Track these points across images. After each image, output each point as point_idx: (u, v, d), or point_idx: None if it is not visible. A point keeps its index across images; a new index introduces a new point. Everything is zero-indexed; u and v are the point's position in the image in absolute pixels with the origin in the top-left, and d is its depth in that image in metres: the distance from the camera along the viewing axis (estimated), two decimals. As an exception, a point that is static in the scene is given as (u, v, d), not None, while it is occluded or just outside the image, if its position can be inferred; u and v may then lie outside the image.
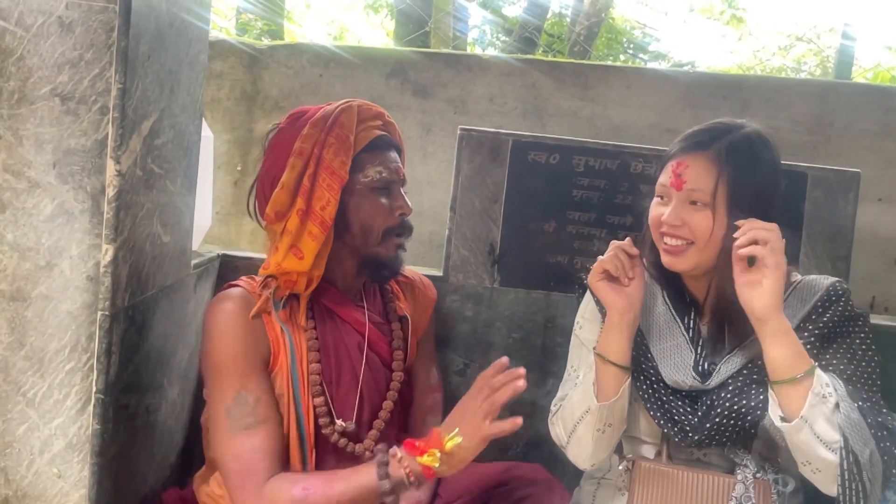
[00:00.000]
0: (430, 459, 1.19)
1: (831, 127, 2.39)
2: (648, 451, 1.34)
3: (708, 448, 1.27)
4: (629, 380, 1.26)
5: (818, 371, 1.15)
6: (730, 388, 1.23)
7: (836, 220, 1.78)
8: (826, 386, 1.14)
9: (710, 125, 1.29)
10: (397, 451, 1.22)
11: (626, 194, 1.78)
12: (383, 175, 1.35)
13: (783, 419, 1.15)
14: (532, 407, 1.80)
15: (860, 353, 1.25)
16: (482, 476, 1.41)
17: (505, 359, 1.25)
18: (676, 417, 1.27)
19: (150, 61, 1.16)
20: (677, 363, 1.30)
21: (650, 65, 7.76)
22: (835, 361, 1.23)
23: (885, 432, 1.18)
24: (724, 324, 1.30)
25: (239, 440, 1.22)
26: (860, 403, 1.18)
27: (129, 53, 1.08)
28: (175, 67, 1.28)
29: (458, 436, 1.19)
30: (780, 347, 1.14)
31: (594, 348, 1.28)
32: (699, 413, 1.26)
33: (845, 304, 1.27)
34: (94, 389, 1.13)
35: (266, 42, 2.82)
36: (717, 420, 1.22)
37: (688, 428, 1.25)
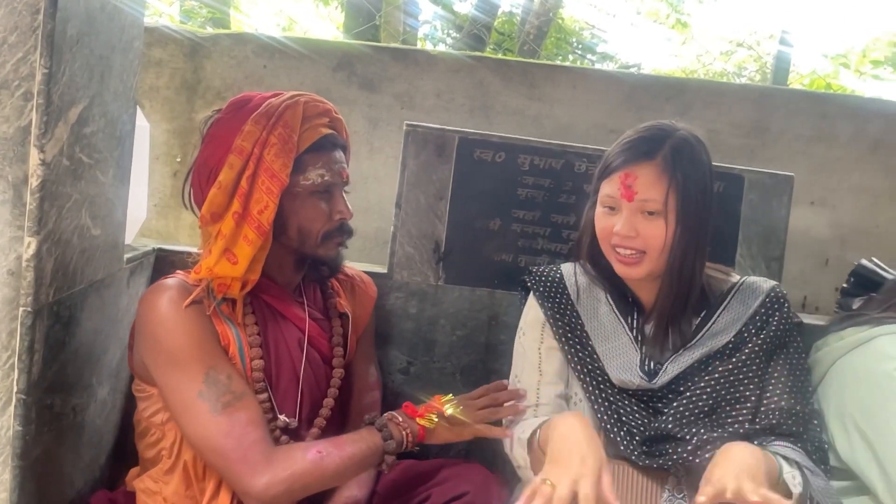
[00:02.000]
0: (428, 421, 1.30)
1: (767, 131, 2.46)
2: None
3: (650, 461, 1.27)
4: None
5: (783, 466, 1.15)
6: (685, 443, 1.22)
7: (770, 222, 1.83)
8: (792, 475, 1.15)
9: (648, 131, 1.30)
10: (396, 416, 1.30)
11: (570, 193, 1.79)
12: (325, 178, 1.31)
13: None
14: (475, 404, 1.80)
15: (796, 361, 1.32)
16: (421, 474, 1.41)
17: (504, 382, 1.41)
18: (624, 418, 1.29)
19: (79, 46, 1.11)
20: (623, 363, 1.31)
21: (597, 66, 7.88)
22: (776, 374, 1.29)
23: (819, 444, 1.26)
24: (667, 325, 1.32)
25: (223, 419, 1.18)
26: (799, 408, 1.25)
27: (56, 37, 1.03)
28: (107, 53, 1.23)
29: (459, 406, 1.32)
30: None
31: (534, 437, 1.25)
32: (649, 422, 1.28)
33: (787, 311, 1.33)
34: (15, 389, 1.07)
35: (209, 30, 2.74)
36: (666, 447, 1.24)
37: (634, 430, 1.27)
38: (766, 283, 1.36)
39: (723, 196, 1.80)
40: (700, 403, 1.26)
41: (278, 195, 1.26)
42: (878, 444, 1.22)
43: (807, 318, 1.93)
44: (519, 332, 1.45)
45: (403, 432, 1.28)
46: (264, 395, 1.29)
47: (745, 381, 1.27)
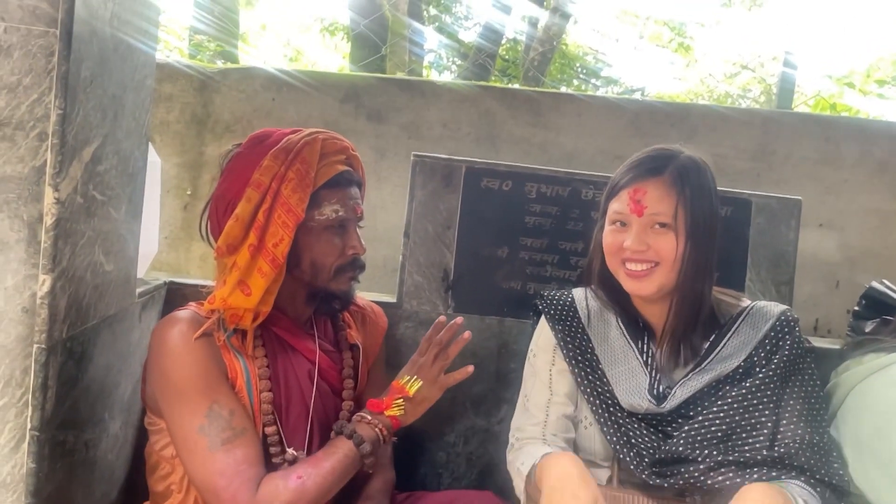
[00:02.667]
0: (396, 409, 1.33)
1: (774, 155, 2.47)
2: (603, 473, 1.35)
3: (661, 481, 1.27)
4: None
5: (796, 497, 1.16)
6: (697, 464, 1.23)
7: (779, 246, 1.83)
8: None
9: (654, 152, 1.33)
10: (365, 415, 1.33)
11: (577, 221, 1.80)
12: (339, 214, 1.33)
13: None
14: (486, 434, 1.80)
15: (810, 387, 1.30)
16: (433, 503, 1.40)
17: (442, 317, 1.41)
18: (633, 441, 1.29)
19: (93, 86, 1.13)
20: (632, 387, 1.31)
21: (601, 90, 7.94)
22: (791, 402, 1.27)
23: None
24: (679, 344, 1.32)
25: (220, 456, 1.19)
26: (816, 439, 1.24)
27: (70, 79, 1.05)
28: (119, 92, 1.25)
29: (419, 380, 1.35)
30: None
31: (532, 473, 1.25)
32: (658, 442, 1.28)
33: (798, 335, 1.32)
34: (28, 426, 1.07)
35: (218, 65, 2.79)
36: (679, 468, 1.24)
37: (644, 453, 1.27)
38: (776, 308, 1.36)
39: (731, 220, 1.81)
40: (713, 429, 1.25)
41: (294, 229, 1.27)
42: (893, 470, 1.20)
43: (819, 342, 1.92)
44: (530, 353, 1.46)
45: (376, 430, 1.31)
46: (273, 428, 1.29)
47: (760, 407, 1.26)
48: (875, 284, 1.64)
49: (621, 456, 1.27)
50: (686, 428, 1.26)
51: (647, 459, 1.26)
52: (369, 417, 1.32)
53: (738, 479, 1.19)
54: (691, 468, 1.22)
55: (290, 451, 1.31)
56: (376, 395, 1.52)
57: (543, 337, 1.44)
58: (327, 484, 1.23)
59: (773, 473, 1.20)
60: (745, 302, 1.39)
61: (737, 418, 1.26)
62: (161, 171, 1.85)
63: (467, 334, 1.37)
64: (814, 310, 2.41)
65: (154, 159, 1.56)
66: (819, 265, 2.41)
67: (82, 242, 1.16)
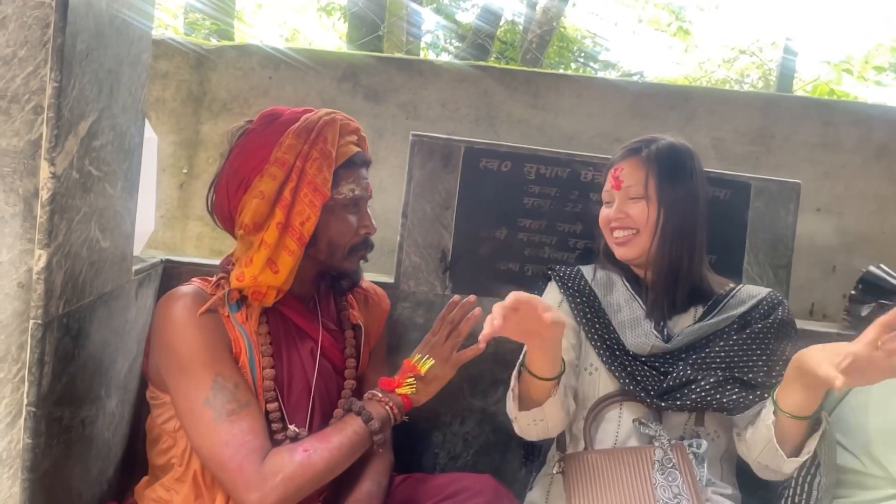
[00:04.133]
0: (408, 388, 1.33)
1: (773, 138, 2.46)
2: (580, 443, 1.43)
3: (667, 410, 1.37)
4: (558, 386, 1.30)
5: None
6: (703, 383, 1.34)
7: (777, 230, 1.83)
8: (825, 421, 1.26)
9: (639, 139, 1.49)
10: (376, 393, 1.33)
11: (576, 202, 1.80)
12: (356, 193, 1.35)
13: (786, 453, 1.24)
14: (482, 415, 1.80)
15: (776, 329, 1.41)
16: (431, 487, 1.41)
17: (456, 297, 1.42)
18: (639, 378, 1.38)
19: (89, 60, 1.11)
20: (638, 330, 1.43)
21: (600, 74, 7.91)
22: (759, 328, 1.39)
23: None
24: (663, 297, 1.44)
25: (225, 427, 1.19)
26: None
27: (66, 51, 1.03)
28: (115, 67, 1.23)
29: (431, 359, 1.35)
30: (814, 396, 1.19)
31: (521, 362, 1.33)
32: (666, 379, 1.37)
33: (780, 303, 1.44)
34: (24, 402, 1.07)
35: (214, 42, 2.76)
36: (683, 391, 1.35)
37: (649, 387, 1.36)
38: (763, 289, 1.50)
39: (729, 204, 1.81)
40: (717, 360, 1.37)
41: (320, 208, 1.30)
42: None
43: (814, 326, 1.93)
44: None
45: (386, 408, 1.31)
46: (275, 405, 1.29)
47: (758, 352, 1.36)
48: (872, 269, 1.65)
49: (630, 388, 1.36)
50: (693, 356, 1.38)
51: (653, 392, 1.36)
52: (380, 395, 1.32)
53: (744, 397, 1.31)
54: (698, 389, 1.33)
55: (292, 427, 1.31)
56: (377, 378, 1.53)
57: (550, 295, 1.55)
58: (334, 459, 1.23)
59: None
60: (732, 285, 1.51)
61: (739, 353, 1.38)
62: (157, 149, 1.83)
63: (477, 311, 1.39)
64: (810, 294, 2.42)
65: (150, 136, 1.55)
66: (816, 249, 2.41)
67: (78, 218, 1.15)
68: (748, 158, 2.44)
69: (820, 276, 2.44)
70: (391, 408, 1.31)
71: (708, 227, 1.47)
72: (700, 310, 1.47)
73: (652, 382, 1.38)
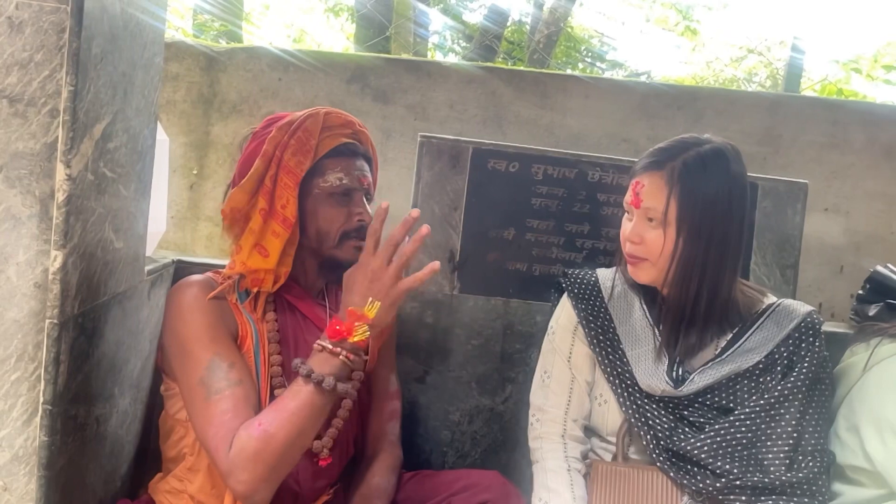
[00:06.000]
0: (361, 334, 1.20)
1: (780, 139, 2.46)
2: (610, 448, 1.38)
3: (674, 475, 1.29)
4: None
5: None
6: (709, 481, 1.25)
7: (784, 230, 1.83)
8: None
9: (672, 142, 1.31)
10: (325, 344, 1.20)
11: (583, 203, 1.80)
12: (343, 182, 1.37)
13: None
14: (491, 413, 1.81)
15: (827, 395, 1.32)
16: (439, 484, 1.42)
17: (384, 204, 1.24)
18: (651, 422, 1.30)
19: (103, 63, 1.13)
20: (650, 368, 1.33)
21: (607, 74, 7.89)
22: (811, 411, 1.28)
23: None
24: (678, 335, 1.33)
25: (211, 406, 1.20)
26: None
27: (81, 55, 1.05)
28: (129, 70, 1.25)
29: (377, 301, 1.20)
30: None
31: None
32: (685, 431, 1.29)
33: (822, 341, 1.32)
34: (41, 400, 1.09)
35: (224, 44, 2.78)
36: (695, 471, 1.26)
37: (659, 435, 1.29)
38: (802, 308, 1.36)
39: (737, 204, 1.80)
40: (738, 435, 1.26)
41: (295, 189, 1.32)
42: None
43: (823, 326, 1.93)
44: (550, 329, 1.49)
45: (339, 357, 1.19)
46: (282, 390, 1.30)
47: (787, 417, 1.26)
48: (880, 269, 1.64)
49: (641, 434, 1.30)
50: (711, 433, 1.26)
51: (662, 443, 1.28)
52: (330, 346, 1.20)
53: None
54: (707, 481, 1.24)
55: None
56: (385, 375, 1.54)
57: (565, 315, 1.45)
58: (295, 426, 1.16)
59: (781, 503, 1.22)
60: (771, 298, 1.39)
61: (762, 426, 1.26)
62: (168, 151, 1.85)
63: (425, 228, 1.21)
64: (818, 294, 2.42)
65: (162, 137, 1.57)
66: (824, 249, 2.41)
67: (93, 219, 1.17)
68: (756, 158, 2.44)
69: (828, 275, 2.44)
70: (347, 356, 1.20)
71: (749, 238, 1.33)
72: (724, 340, 1.34)
73: (663, 428, 1.29)
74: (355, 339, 1.20)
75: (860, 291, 1.64)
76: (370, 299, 1.20)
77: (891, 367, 1.32)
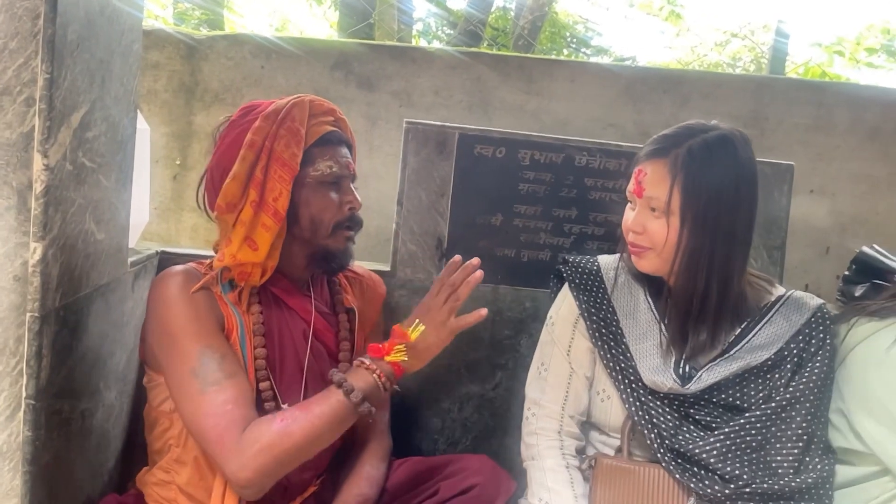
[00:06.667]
0: (398, 355, 1.26)
1: (766, 121, 2.47)
2: (612, 443, 1.35)
3: (679, 476, 1.26)
4: None
5: None
6: (717, 487, 1.22)
7: (771, 211, 1.84)
8: None
9: (677, 129, 1.25)
10: (364, 360, 1.27)
11: (570, 188, 1.80)
12: (333, 170, 1.36)
13: None
14: (481, 400, 1.81)
15: (822, 381, 1.26)
16: (429, 468, 1.42)
17: (458, 257, 1.33)
18: (655, 420, 1.27)
19: (80, 50, 1.11)
20: (656, 364, 1.28)
21: (593, 59, 7.88)
22: (801, 386, 1.25)
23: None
24: (685, 329, 1.28)
25: (208, 398, 1.19)
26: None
27: (57, 42, 1.02)
28: (107, 57, 1.23)
29: (421, 325, 1.27)
30: None
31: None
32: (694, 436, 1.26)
33: (832, 336, 1.29)
34: (24, 395, 1.07)
35: (205, 32, 2.74)
36: (701, 474, 1.23)
37: (664, 434, 1.26)
38: (812, 301, 1.32)
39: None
40: (748, 439, 1.23)
41: (290, 182, 1.31)
42: None
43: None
44: (549, 320, 1.43)
45: (373, 376, 1.24)
46: (266, 384, 1.30)
47: (798, 419, 1.23)
48: (866, 249, 1.65)
49: (645, 432, 1.26)
50: (720, 436, 1.23)
51: (666, 442, 1.25)
52: (367, 363, 1.26)
53: None
54: (716, 486, 1.21)
55: (286, 406, 1.31)
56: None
57: (566, 306, 1.39)
58: (315, 430, 1.19)
59: None
60: (779, 290, 1.35)
61: (772, 428, 1.23)
62: (150, 141, 1.82)
63: (479, 274, 1.29)
64: (804, 275, 2.43)
65: (143, 127, 1.54)
66: (810, 231, 2.43)
67: (73, 210, 1.14)
68: (742, 141, 2.44)
69: (814, 257, 2.45)
70: (379, 375, 1.24)
71: (753, 227, 1.26)
72: (731, 335, 1.28)
73: (668, 426, 1.25)
74: (392, 357, 1.25)
75: (846, 272, 1.64)
76: (416, 321, 1.28)
77: (872, 345, 1.30)
